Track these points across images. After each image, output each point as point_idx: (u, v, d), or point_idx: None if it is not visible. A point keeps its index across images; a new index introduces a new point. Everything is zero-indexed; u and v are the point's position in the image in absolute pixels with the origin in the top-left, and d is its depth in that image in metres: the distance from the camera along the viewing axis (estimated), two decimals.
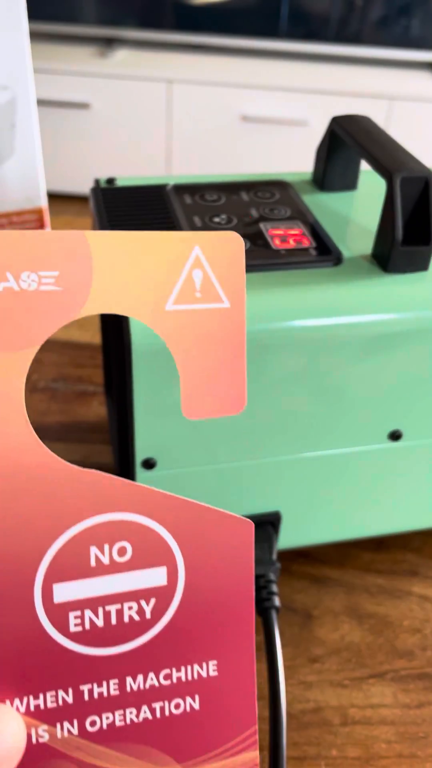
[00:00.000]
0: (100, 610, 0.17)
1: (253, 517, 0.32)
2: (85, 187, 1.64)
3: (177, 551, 0.17)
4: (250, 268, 0.27)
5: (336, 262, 0.28)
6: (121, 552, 0.17)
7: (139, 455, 0.28)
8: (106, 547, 0.17)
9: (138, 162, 1.60)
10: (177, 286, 0.16)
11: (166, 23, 1.59)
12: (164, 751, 0.17)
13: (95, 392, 0.47)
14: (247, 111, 1.53)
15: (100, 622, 0.17)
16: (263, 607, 0.29)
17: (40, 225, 0.57)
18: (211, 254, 0.16)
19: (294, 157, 1.55)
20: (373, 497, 0.33)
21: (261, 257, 0.28)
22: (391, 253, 0.27)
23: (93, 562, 0.17)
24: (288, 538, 0.33)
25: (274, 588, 0.30)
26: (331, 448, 0.30)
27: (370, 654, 0.32)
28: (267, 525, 0.32)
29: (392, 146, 0.28)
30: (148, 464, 0.28)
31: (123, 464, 0.32)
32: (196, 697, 0.18)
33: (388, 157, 0.27)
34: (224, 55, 1.62)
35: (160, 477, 0.29)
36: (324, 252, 0.28)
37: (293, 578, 0.36)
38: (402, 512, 0.34)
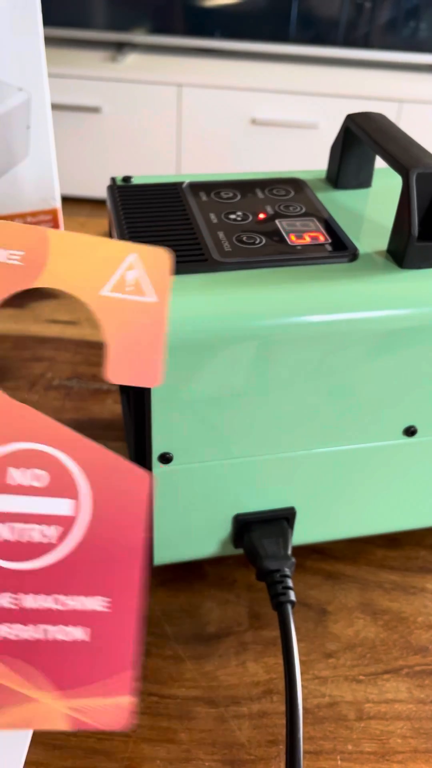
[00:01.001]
0: (9, 526, 0.19)
1: (267, 513, 0.32)
2: (96, 190, 1.65)
3: (84, 488, 0.20)
4: (266, 263, 0.27)
5: (352, 258, 0.28)
6: (37, 478, 0.20)
7: (156, 450, 0.28)
8: (25, 470, 0.19)
9: (149, 165, 1.60)
10: (112, 280, 0.21)
11: (176, 28, 1.60)
12: (45, 673, 0.19)
13: (109, 390, 0.47)
14: (257, 114, 1.54)
15: (8, 536, 0.19)
16: (279, 602, 0.29)
17: (55, 225, 0.57)
18: (145, 261, 0.22)
19: (304, 160, 1.56)
20: (387, 493, 0.33)
21: (277, 252, 0.28)
22: (407, 249, 0.27)
23: (10, 481, 0.19)
24: (302, 534, 0.33)
25: (290, 583, 0.30)
26: (345, 443, 0.30)
27: (385, 650, 0.33)
28: (282, 520, 0.32)
29: (407, 142, 0.29)
30: (165, 458, 0.28)
31: (139, 457, 0.32)
32: (84, 629, 0.19)
33: (404, 153, 0.28)
34: (234, 59, 1.62)
35: (176, 471, 0.29)
36: (339, 248, 0.29)
37: (307, 574, 0.36)
38: (416, 509, 0.34)
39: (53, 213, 0.57)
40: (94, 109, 1.55)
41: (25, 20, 0.48)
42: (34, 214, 0.56)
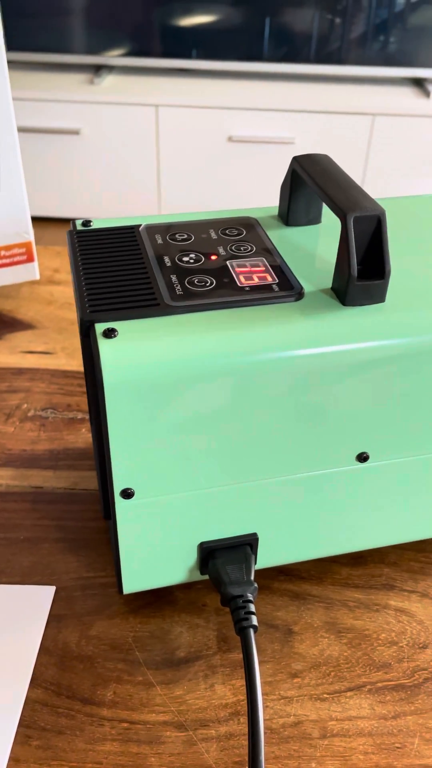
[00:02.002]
0: None
1: (231, 539, 0.33)
2: (78, 211, 1.67)
3: None
4: (216, 306, 0.29)
5: (298, 297, 0.30)
6: None
7: (117, 487, 0.29)
8: None
9: (129, 184, 1.62)
10: None
11: (152, 49, 1.63)
12: None
13: (84, 419, 0.48)
14: (234, 132, 1.56)
15: None
16: (241, 627, 0.31)
17: (29, 258, 0.59)
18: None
19: (281, 175, 1.58)
20: (346, 516, 0.34)
21: (226, 295, 0.29)
22: (348, 288, 0.29)
23: None
24: (267, 557, 0.35)
25: (252, 608, 0.31)
26: (303, 471, 0.32)
27: (348, 667, 0.34)
28: (245, 546, 0.33)
29: (347, 185, 0.30)
30: (127, 494, 0.30)
31: (104, 493, 0.34)
32: None
33: (342, 197, 0.29)
34: (209, 78, 1.65)
35: (139, 505, 0.30)
36: (286, 287, 0.30)
37: (274, 595, 0.37)
38: (376, 529, 0.36)
39: (27, 246, 0.58)
40: (74, 132, 1.57)
41: None
42: (8, 248, 0.57)
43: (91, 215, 1.68)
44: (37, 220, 1.73)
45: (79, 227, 0.35)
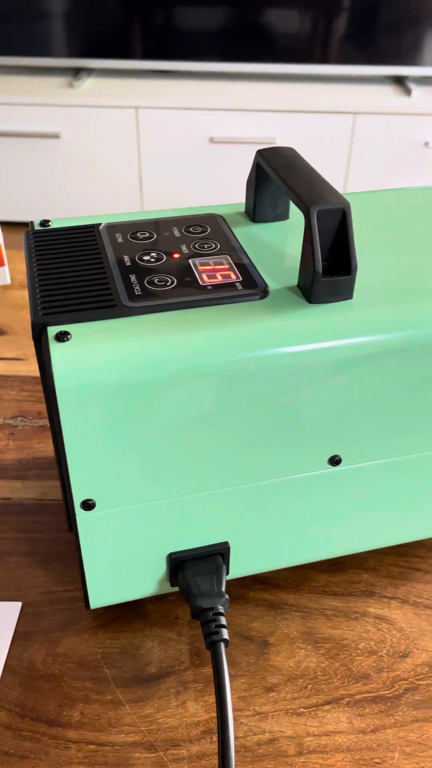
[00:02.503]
0: None
1: (201, 549, 0.32)
2: (60, 214, 1.65)
3: None
4: (176, 306, 0.28)
5: (262, 296, 0.28)
6: None
7: (77, 498, 0.28)
8: None
9: (110, 187, 1.61)
10: None
11: (131, 51, 1.62)
12: None
13: None
14: (215, 133, 1.55)
15: None
16: (212, 641, 0.29)
17: (0, 262, 0.57)
18: None
19: None
20: (321, 521, 0.33)
21: (188, 294, 0.28)
22: (313, 285, 0.28)
23: None
24: (241, 566, 0.33)
25: (223, 621, 0.30)
26: (274, 476, 0.31)
27: (326, 679, 0.32)
28: (216, 556, 0.32)
29: (312, 179, 0.29)
30: (88, 505, 0.28)
31: (66, 505, 0.32)
32: None
33: (306, 190, 0.28)
34: (189, 79, 1.64)
35: (102, 516, 0.29)
36: (250, 285, 0.29)
37: (250, 605, 0.36)
38: (353, 534, 0.34)
39: None
40: (54, 135, 1.55)
41: None
42: None
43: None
44: (18, 225, 1.71)
45: (37, 227, 0.33)
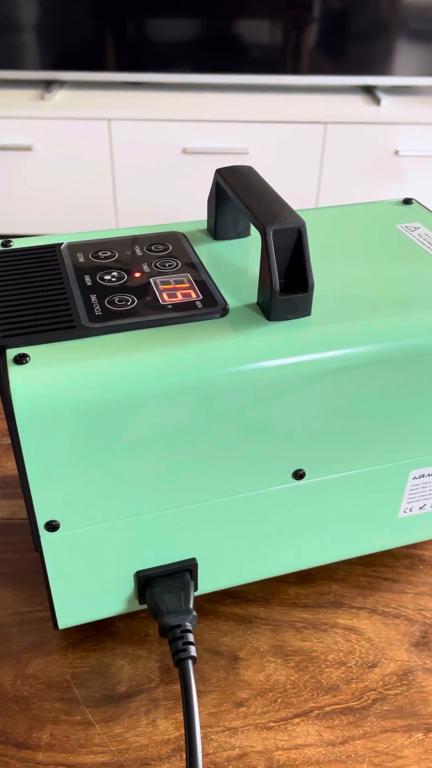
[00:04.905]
0: None
1: (168, 566, 0.32)
2: (33, 227, 1.64)
3: None
4: (136, 326, 0.28)
5: (222, 314, 0.29)
6: None
7: (41, 519, 0.28)
8: None
9: (83, 199, 1.61)
10: None
11: (103, 63, 1.62)
12: None
13: None
14: (188, 144, 1.56)
15: None
16: (179, 659, 0.29)
17: None
18: None
19: None
20: (288, 534, 0.33)
21: (148, 314, 0.28)
22: (272, 303, 0.28)
23: None
24: (209, 582, 0.34)
25: (190, 638, 0.30)
26: (239, 491, 0.31)
27: (296, 692, 0.33)
28: (184, 572, 0.32)
29: (268, 198, 0.29)
30: (51, 526, 0.28)
31: (31, 525, 0.32)
32: None
33: (262, 210, 0.28)
34: (161, 90, 1.65)
35: (67, 537, 0.29)
36: (210, 304, 0.29)
37: (220, 620, 0.36)
38: (321, 545, 0.35)
39: None
40: (26, 148, 1.55)
41: None
42: None
43: (46, 232, 1.66)
44: None
45: None
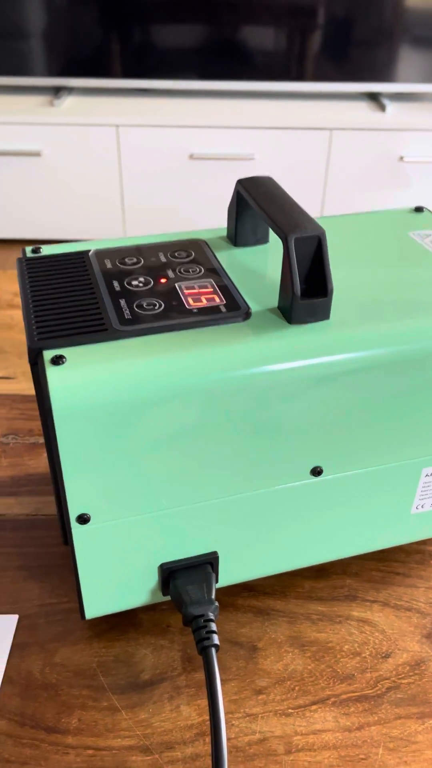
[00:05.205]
0: None
1: (191, 559, 0.33)
2: (43, 231, 1.66)
3: None
4: (164, 329, 0.29)
5: (245, 317, 0.30)
6: None
7: (73, 512, 0.29)
8: None
9: (92, 204, 1.63)
10: None
11: (111, 70, 1.64)
12: None
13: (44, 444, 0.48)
14: (194, 150, 1.58)
15: None
16: (203, 647, 0.31)
17: None
18: None
19: None
20: (305, 529, 0.35)
21: (175, 318, 0.30)
22: (293, 307, 0.29)
23: None
24: (229, 575, 0.35)
25: (213, 627, 0.31)
26: (259, 487, 0.32)
27: (312, 681, 0.34)
28: (206, 565, 0.34)
29: (288, 208, 0.31)
30: (83, 519, 0.30)
31: (62, 519, 0.34)
32: None
33: (284, 218, 0.30)
34: (169, 97, 1.67)
35: (97, 530, 0.30)
36: (233, 308, 0.31)
37: (239, 612, 0.37)
38: (336, 541, 0.36)
39: None
40: (35, 153, 1.57)
41: None
42: None
43: (54, 236, 1.67)
44: (1, 243, 1.72)
45: (29, 254, 0.35)
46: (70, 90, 1.69)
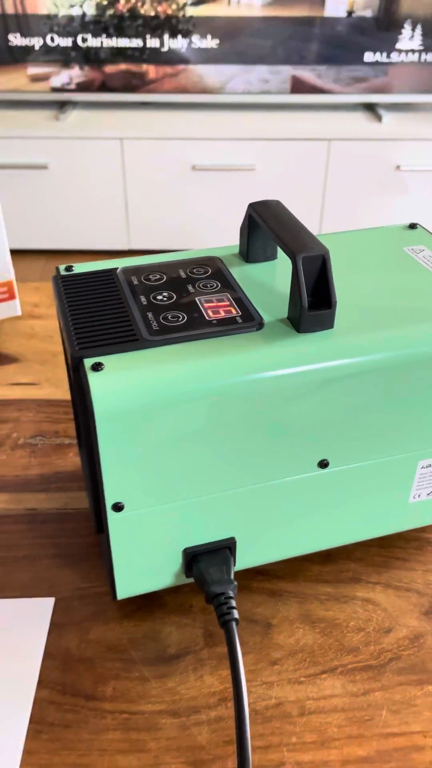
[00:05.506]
0: None
1: (211, 544, 0.37)
2: (49, 242, 1.70)
3: None
4: (188, 338, 0.33)
5: (259, 327, 0.34)
6: None
7: (109, 501, 0.33)
8: None
9: (97, 215, 1.67)
10: None
11: (114, 85, 1.69)
12: None
13: (71, 444, 0.52)
14: (197, 161, 1.62)
15: None
16: (224, 620, 0.35)
17: (11, 296, 0.63)
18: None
19: (243, 200, 1.64)
20: (314, 517, 0.39)
21: (197, 328, 0.34)
22: (301, 318, 0.33)
23: None
24: (245, 559, 0.39)
25: (233, 603, 0.35)
26: (272, 479, 0.36)
27: (322, 653, 0.38)
28: (225, 549, 0.38)
29: (297, 229, 0.35)
30: (118, 507, 0.34)
31: (96, 508, 0.37)
32: None
33: (292, 239, 0.34)
34: (171, 110, 1.71)
35: (129, 517, 0.34)
36: (248, 319, 0.35)
37: (253, 594, 0.41)
38: (342, 528, 0.40)
39: (8, 285, 0.62)
40: (42, 166, 1.61)
41: None
42: None
43: (61, 246, 1.72)
44: (11, 253, 1.76)
45: (63, 272, 0.39)
46: (75, 104, 1.73)
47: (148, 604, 0.40)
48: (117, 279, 0.38)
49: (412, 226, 0.45)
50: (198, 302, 0.36)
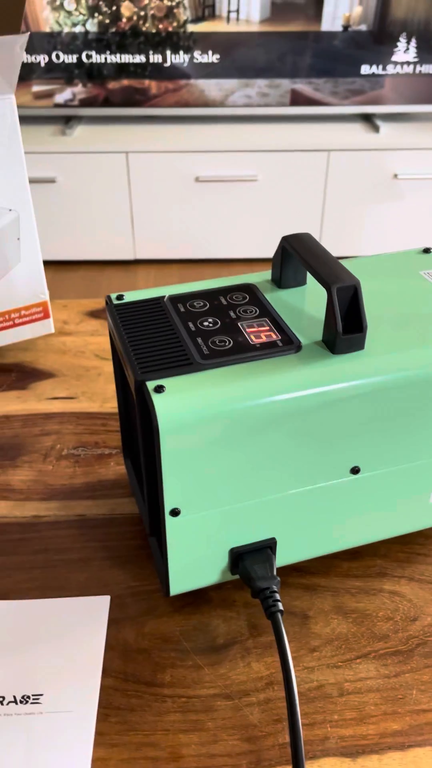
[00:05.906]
0: None
1: (255, 544, 0.41)
2: (60, 253, 1.74)
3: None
4: (236, 361, 0.37)
5: (297, 350, 0.38)
6: None
7: (168, 507, 0.37)
8: None
9: (104, 226, 1.71)
10: None
11: (119, 99, 1.73)
12: None
13: (111, 454, 0.56)
14: (200, 173, 1.67)
15: None
16: (271, 612, 0.39)
17: (46, 315, 0.67)
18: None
19: (246, 210, 1.68)
20: (344, 518, 0.43)
21: (243, 351, 0.38)
22: (336, 341, 0.38)
23: None
24: (283, 557, 0.43)
25: (278, 596, 0.39)
26: (309, 484, 0.40)
27: (356, 640, 0.42)
28: (266, 549, 0.42)
29: (329, 262, 0.39)
30: (175, 513, 0.38)
31: (153, 514, 0.42)
32: None
33: (327, 271, 0.38)
34: (175, 123, 1.76)
35: (184, 521, 0.38)
36: (287, 342, 0.39)
37: (290, 589, 0.45)
38: (369, 527, 0.44)
39: (43, 305, 0.66)
40: (50, 180, 1.65)
41: (10, 153, 0.58)
42: (27, 308, 0.65)
43: (70, 257, 1.75)
44: None
45: (115, 301, 0.43)
46: (80, 119, 1.77)
47: (196, 600, 0.44)
48: (165, 306, 0.42)
49: (426, 251, 0.49)
50: (241, 327, 0.40)
